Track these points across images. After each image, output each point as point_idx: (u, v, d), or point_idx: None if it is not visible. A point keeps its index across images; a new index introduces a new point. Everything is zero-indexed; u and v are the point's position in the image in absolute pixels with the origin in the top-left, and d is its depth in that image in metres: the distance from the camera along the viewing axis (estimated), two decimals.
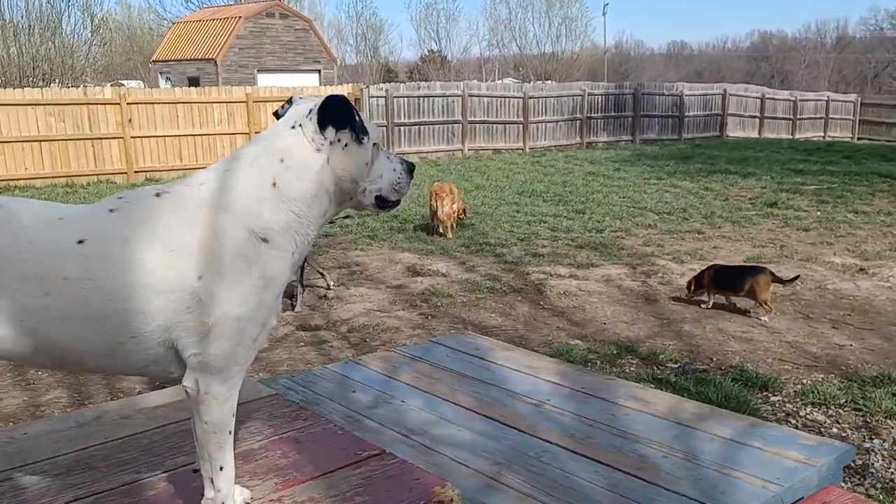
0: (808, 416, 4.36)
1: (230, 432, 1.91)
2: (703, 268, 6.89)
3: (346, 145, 1.92)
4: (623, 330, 6.14)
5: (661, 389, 4.71)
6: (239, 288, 1.82)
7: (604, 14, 71.10)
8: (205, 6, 39.08)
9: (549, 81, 30.72)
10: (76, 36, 25.32)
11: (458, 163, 18.61)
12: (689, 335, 6.00)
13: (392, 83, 22.32)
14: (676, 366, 5.22)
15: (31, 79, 21.83)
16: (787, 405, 4.54)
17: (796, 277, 6.80)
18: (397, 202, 2.07)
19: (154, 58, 32.07)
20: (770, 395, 4.70)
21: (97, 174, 15.33)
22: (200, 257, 1.80)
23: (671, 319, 6.40)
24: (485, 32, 57.81)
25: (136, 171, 15.58)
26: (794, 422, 4.29)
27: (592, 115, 23.38)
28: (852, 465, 3.65)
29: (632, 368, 5.21)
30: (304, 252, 1.98)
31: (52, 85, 20.63)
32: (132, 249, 1.78)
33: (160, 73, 30.76)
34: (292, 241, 1.91)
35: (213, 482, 1.94)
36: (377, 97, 18.65)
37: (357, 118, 1.93)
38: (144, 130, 15.83)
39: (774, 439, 2.51)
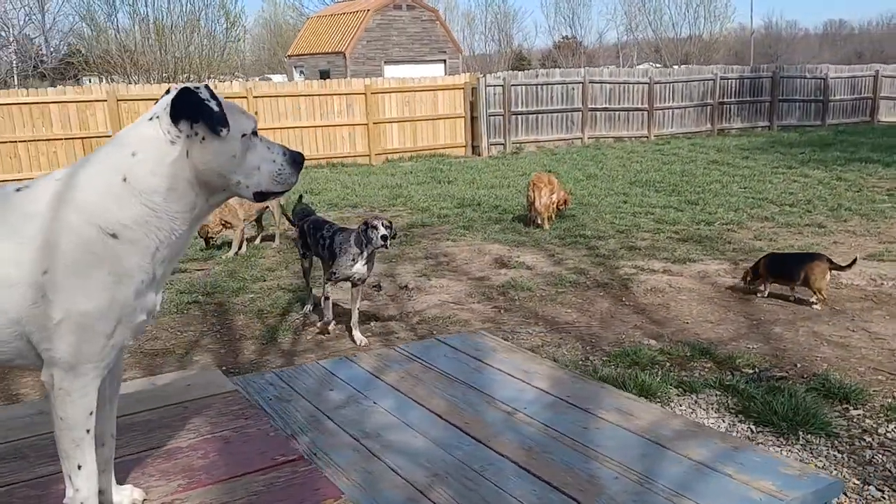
0: (886, 435, 3.91)
1: (88, 431, 1.88)
2: (760, 256, 6.73)
3: (203, 138, 1.87)
4: (706, 330, 5.77)
5: (727, 396, 4.40)
6: (86, 284, 1.80)
7: None
8: (339, 1, 40.33)
9: (683, 66, 29.39)
10: (213, 33, 26.82)
11: (576, 151, 18.19)
12: (777, 338, 5.55)
13: (510, 71, 22.13)
14: (752, 372, 4.84)
15: (171, 76, 23.41)
16: (867, 421, 4.09)
17: (854, 262, 6.39)
18: (282, 193, 2.03)
19: (289, 52, 33.47)
20: (850, 408, 4.26)
21: None
22: (46, 252, 1.79)
23: (762, 321, 5.95)
24: (623, 17, 55.73)
25: None
26: (868, 440, 3.86)
27: (725, 100, 22.16)
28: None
29: (702, 373, 4.88)
30: (175, 246, 1.95)
31: (191, 81, 21.93)
32: None
33: (295, 67, 32.06)
34: (151, 235, 1.87)
35: (71, 481, 1.90)
36: (494, 86, 18.52)
37: (214, 110, 1.86)
38: (269, 123, 16.53)
39: (752, 465, 2.23)
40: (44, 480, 2.14)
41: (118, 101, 15.07)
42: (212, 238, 8.54)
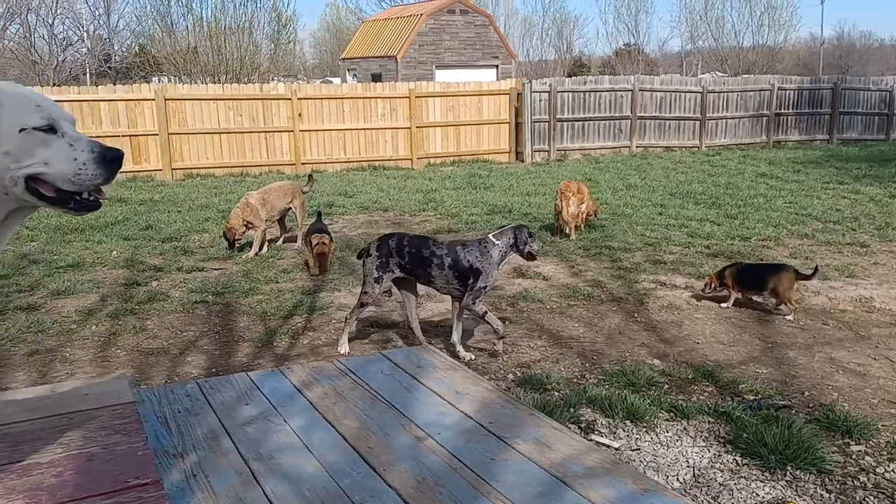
0: (884, 475, 3.62)
1: None
2: (726, 265, 6.83)
3: None
4: (716, 352, 5.50)
5: (720, 424, 4.17)
6: None
7: (821, 2, 65.06)
8: (395, 4, 40.58)
9: (739, 76, 28.58)
10: (263, 35, 27.29)
11: (621, 161, 17.81)
12: (790, 363, 5.25)
13: (557, 78, 21.84)
14: (752, 399, 4.57)
15: (222, 76, 23.88)
16: (867, 458, 3.81)
17: (815, 270, 6.48)
18: (85, 201, 1.84)
19: (343, 55, 33.80)
20: (852, 443, 3.98)
21: (268, 165, 16.35)
22: None
23: (777, 343, 5.65)
24: (687, 25, 54.53)
25: (302, 164, 16.43)
26: (863, 479, 3.58)
27: (782, 111, 21.45)
28: None
29: (700, 397, 4.64)
30: None
31: (240, 82, 22.32)
32: None
33: (348, 70, 32.35)
34: None
35: None
36: (540, 92, 18.30)
37: None
38: (313, 124, 16.65)
39: None
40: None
41: (166, 100, 15.38)
42: (238, 240, 8.52)
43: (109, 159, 1.85)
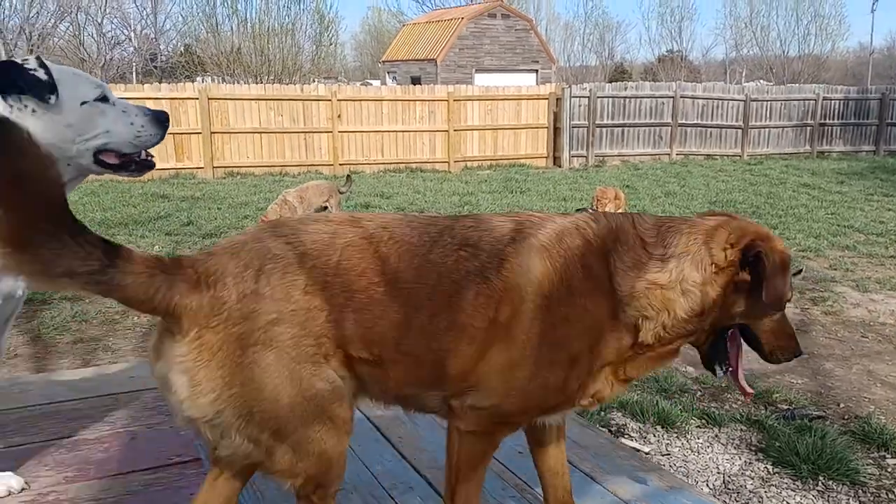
0: None
1: None
2: None
3: (33, 110, 1.87)
4: (750, 360, 5.35)
5: (752, 432, 4.14)
6: None
7: (872, 11, 63.68)
8: (437, 8, 40.76)
9: (783, 85, 28.15)
10: (305, 36, 27.63)
11: (661, 168, 17.67)
12: (827, 374, 5.18)
13: (597, 83, 21.75)
14: (786, 408, 4.52)
15: (265, 76, 24.24)
16: None
17: (798, 272, 6.08)
18: (144, 161, 2.00)
19: (384, 58, 34.04)
20: (888, 455, 3.92)
21: (307, 165, 16.55)
22: None
23: (815, 355, 5.57)
24: (732, 33, 53.75)
25: (340, 164, 16.60)
26: None
27: (827, 121, 21.07)
28: None
29: (733, 405, 4.61)
30: None
31: (282, 83, 22.62)
32: None
33: (388, 73, 32.58)
34: None
35: None
36: (579, 97, 18.23)
37: (41, 78, 1.85)
38: (352, 125, 16.82)
39: None
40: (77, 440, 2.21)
41: (209, 99, 15.66)
42: None
43: (162, 119, 2.04)
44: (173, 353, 1.64)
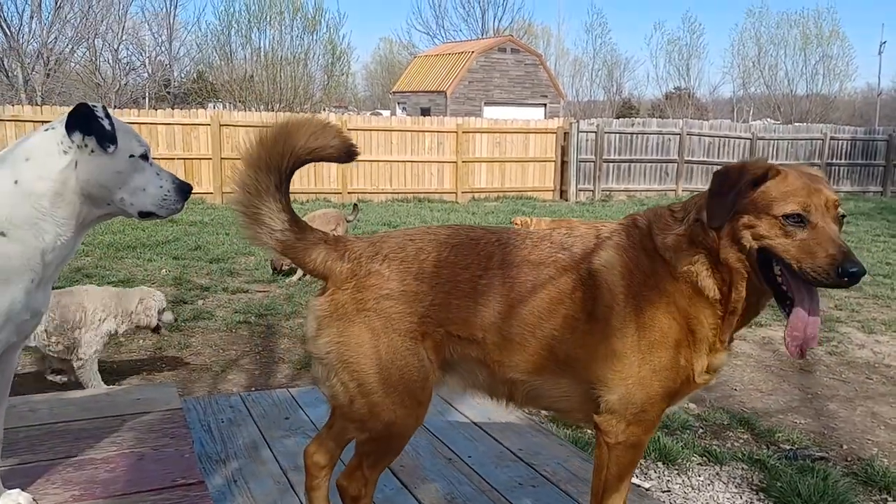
0: None
1: None
2: None
3: (91, 151, 2.01)
4: (753, 400, 5.44)
5: (754, 472, 4.13)
6: None
7: (880, 53, 64.18)
8: (448, 41, 41.25)
9: (790, 124, 28.31)
10: (317, 66, 27.99)
11: (667, 204, 17.71)
12: (830, 415, 5.17)
13: (604, 118, 21.92)
14: (788, 448, 4.51)
15: (276, 104, 24.52)
16: None
17: None
18: (165, 217, 2.18)
19: (394, 89, 34.42)
20: (890, 499, 3.90)
21: (315, 192, 16.66)
22: None
23: (818, 395, 5.56)
24: (739, 72, 54.07)
25: (349, 192, 16.72)
26: None
27: (834, 161, 21.17)
28: None
29: (735, 444, 4.60)
30: (62, 253, 2.04)
31: (293, 111, 22.86)
32: None
33: (398, 104, 32.92)
34: (39, 237, 1.97)
35: None
36: (587, 132, 18.38)
37: (106, 128, 1.99)
38: (361, 155, 16.89)
39: None
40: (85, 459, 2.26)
41: (221, 125, 15.84)
42: (283, 265, 8.66)
43: (186, 190, 2.21)
44: (315, 303, 2.13)
